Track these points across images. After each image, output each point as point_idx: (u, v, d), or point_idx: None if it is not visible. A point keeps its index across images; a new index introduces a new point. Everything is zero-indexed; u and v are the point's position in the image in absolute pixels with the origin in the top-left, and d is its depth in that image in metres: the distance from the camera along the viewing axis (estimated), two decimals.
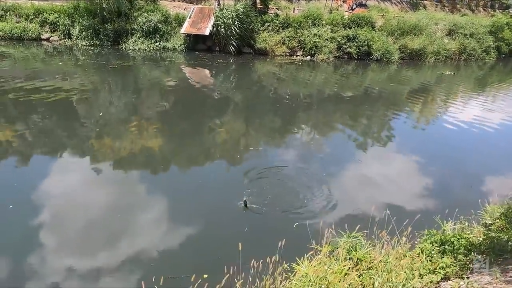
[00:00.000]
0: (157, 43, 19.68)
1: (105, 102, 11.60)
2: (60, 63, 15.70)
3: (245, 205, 5.74)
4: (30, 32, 19.43)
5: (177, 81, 14.82)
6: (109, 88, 13.31)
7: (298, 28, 20.84)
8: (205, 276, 3.29)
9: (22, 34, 19.27)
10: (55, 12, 19.77)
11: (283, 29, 20.93)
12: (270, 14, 21.40)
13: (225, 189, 6.57)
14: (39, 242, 4.86)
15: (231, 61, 18.74)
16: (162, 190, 6.51)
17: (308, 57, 20.62)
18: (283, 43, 20.74)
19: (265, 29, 20.77)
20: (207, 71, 16.63)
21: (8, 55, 16.36)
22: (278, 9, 22.91)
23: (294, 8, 23.53)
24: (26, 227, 5.13)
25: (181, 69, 16.87)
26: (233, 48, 19.43)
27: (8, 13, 19.78)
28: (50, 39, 19.80)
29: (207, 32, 19.22)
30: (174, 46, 19.77)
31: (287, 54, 20.71)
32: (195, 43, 20.17)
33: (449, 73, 20.45)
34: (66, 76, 13.78)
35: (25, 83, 12.23)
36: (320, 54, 20.55)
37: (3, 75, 12.96)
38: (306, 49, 20.68)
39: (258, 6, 21.58)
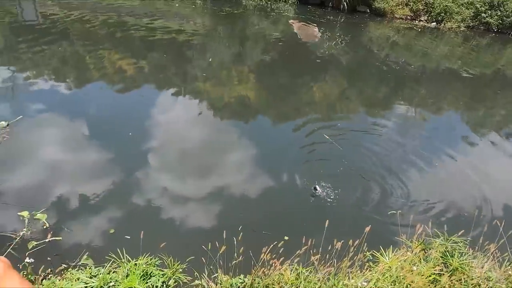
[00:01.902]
0: None
1: (213, 48, 12.07)
2: (177, 5, 16.66)
3: (314, 190, 5.06)
4: None
5: (283, 34, 14.49)
6: (219, 34, 13.76)
7: None
8: (286, 238, 3.32)
9: None
10: None
11: None
12: None
13: (313, 152, 6.38)
14: (145, 164, 5.60)
15: (343, 19, 17.39)
16: (253, 140, 6.71)
17: (433, 23, 17.89)
18: (406, 5, 18.26)
19: None
20: (315, 28, 15.81)
21: None
22: None
23: None
24: (135, 150, 5.92)
25: (289, 22, 16.35)
26: (346, 4, 17.91)
27: None
28: None
29: None
30: None
31: (408, 17, 18.28)
32: None
33: None
34: (182, 19, 14.64)
35: (149, 22, 13.42)
36: (450, 21, 17.60)
37: (134, 13, 14.38)
38: (432, 13, 17.89)
39: None
